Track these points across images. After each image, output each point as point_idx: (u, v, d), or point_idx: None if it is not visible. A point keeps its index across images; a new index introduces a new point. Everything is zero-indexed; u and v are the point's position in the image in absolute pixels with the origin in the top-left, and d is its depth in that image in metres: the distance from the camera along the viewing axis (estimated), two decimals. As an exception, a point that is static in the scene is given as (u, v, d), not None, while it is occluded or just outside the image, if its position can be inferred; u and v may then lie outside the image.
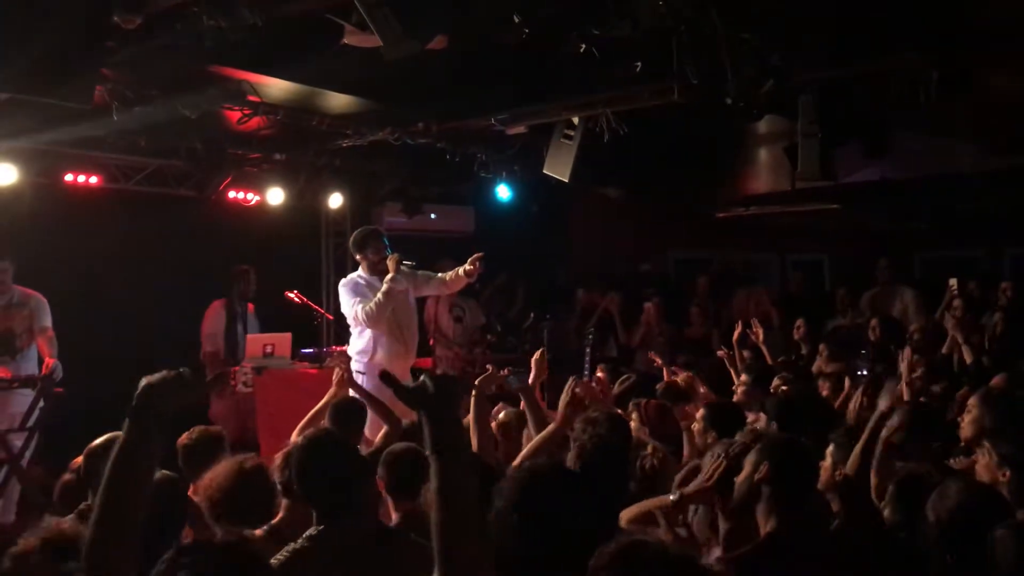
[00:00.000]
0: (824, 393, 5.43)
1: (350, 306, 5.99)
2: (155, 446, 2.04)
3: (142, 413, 2.01)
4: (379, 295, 5.87)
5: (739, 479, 2.90)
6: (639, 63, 5.19)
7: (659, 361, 6.40)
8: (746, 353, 6.36)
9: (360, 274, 6.16)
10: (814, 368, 6.27)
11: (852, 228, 11.06)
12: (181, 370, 2.09)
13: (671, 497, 3.00)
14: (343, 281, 6.19)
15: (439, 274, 6.25)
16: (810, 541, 2.78)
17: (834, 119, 5.76)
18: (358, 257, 6.20)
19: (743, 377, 5.61)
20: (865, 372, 5.44)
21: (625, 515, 3.02)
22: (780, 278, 11.75)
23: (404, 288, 6.05)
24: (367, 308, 5.88)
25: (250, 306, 7.67)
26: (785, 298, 9.66)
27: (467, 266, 5.98)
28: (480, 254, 5.95)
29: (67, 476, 3.86)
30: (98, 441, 3.57)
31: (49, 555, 2.40)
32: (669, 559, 1.93)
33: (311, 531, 2.78)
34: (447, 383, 2.00)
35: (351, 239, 6.34)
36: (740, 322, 6.64)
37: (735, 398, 5.42)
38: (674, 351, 7.60)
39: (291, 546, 2.74)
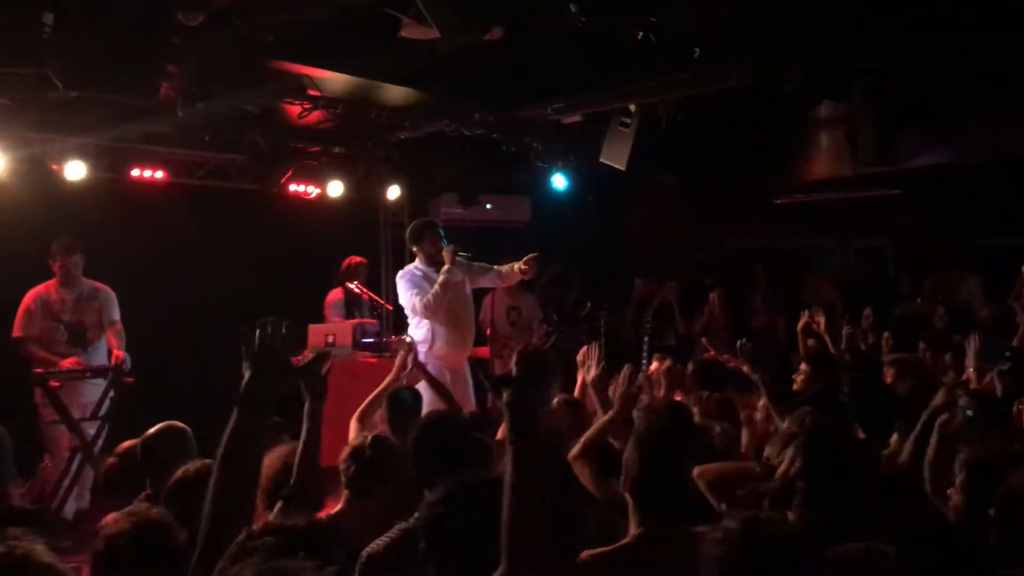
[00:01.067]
0: (888, 381, 5.31)
1: (408, 298, 6.07)
2: (262, 431, 2.13)
3: (250, 402, 2.07)
4: (436, 286, 5.93)
5: (778, 473, 2.82)
6: (697, 49, 5.14)
7: (713, 351, 6.35)
8: (810, 341, 6.26)
9: (417, 265, 6.22)
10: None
11: (914, 214, 10.81)
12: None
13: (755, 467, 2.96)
14: (400, 273, 6.27)
15: (495, 267, 6.29)
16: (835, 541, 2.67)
17: (894, 103, 5.65)
18: (414, 249, 6.26)
19: (803, 366, 5.52)
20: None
21: (704, 475, 3.00)
22: (841, 265, 11.54)
23: (460, 279, 6.09)
24: (424, 299, 5.95)
25: (365, 294, 7.74)
26: (848, 286, 9.49)
27: (522, 265, 6.01)
28: (535, 254, 5.98)
29: (111, 460, 3.95)
30: (153, 429, 3.67)
31: (140, 538, 2.44)
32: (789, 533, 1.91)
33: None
34: (538, 362, 2.01)
35: (407, 231, 6.41)
36: (805, 311, 6.54)
37: (795, 387, 5.35)
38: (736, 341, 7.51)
39: (402, 525, 2.75)
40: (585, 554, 2.41)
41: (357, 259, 7.74)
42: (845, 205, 9.90)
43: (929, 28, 5.00)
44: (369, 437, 3.24)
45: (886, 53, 5.31)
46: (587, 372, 4.32)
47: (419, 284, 6.07)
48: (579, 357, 4.66)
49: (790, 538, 1.93)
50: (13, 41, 4.16)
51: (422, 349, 6.00)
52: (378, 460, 3.20)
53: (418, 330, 6.14)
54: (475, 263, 6.24)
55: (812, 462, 2.68)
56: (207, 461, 3.10)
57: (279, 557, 1.77)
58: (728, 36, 4.97)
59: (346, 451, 3.35)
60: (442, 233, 6.21)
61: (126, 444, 3.86)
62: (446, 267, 5.96)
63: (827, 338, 6.50)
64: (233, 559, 1.95)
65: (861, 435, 3.76)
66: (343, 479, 3.30)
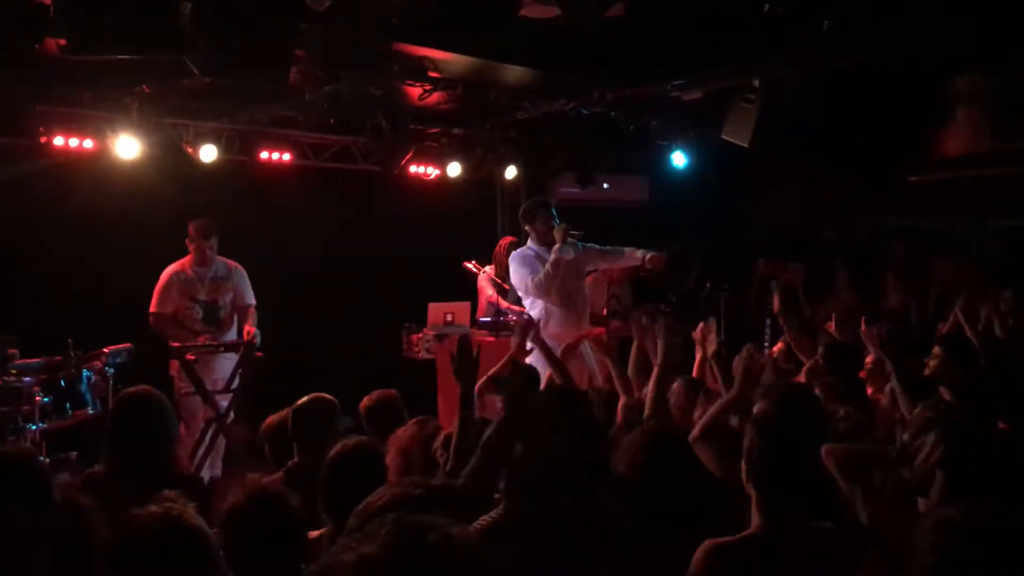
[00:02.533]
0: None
1: (520, 277, 6.11)
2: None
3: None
4: (548, 266, 5.94)
5: (918, 461, 2.70)
6: (826, 21, 4.94)
7: (840, 334, 6.11)
8: (943, 325, 5.97)
9: (530, 245, 6.25)
10: None
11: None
12: None
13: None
14: (513, 254, 6.31)
15: (614, 248, 6.24)
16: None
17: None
18: (527, 228, 6.29)
19: (936, 349, 5.27)
20: None
21: (834, 455, 2.91)
22: (979, 245, 10.94)
23: (572, 258, 6.08)
24: (536, 279, 5.97)
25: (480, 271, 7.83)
26: (987, 267, 8.99)
27: (649, 256, 5.99)
28: (666, 254, 5.98)
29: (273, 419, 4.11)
30: (303, 400, 3.85)
31: (255, 508, 2.55)
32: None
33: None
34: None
35: (520, 210, 6.44)
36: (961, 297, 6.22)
37: (927, 371, 5.11)
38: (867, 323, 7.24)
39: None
40: (709, 543, 2.36)
41: (510, 239, 7.79)
42: (984, 182, 9.37)
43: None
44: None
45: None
46: (708, 347, 4.25)
47: (531, 264, 6.09)
48: (696, 334, 4.58)
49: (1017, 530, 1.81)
50: (153, 30, 4.35)
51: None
52: None
53: (532, 310, 6.18)
54: (586, 244, 6.22)
55: (954, 450, 2.56)
56: (362, 439, 3.30)
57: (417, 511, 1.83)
58: (860, 6, 4.76)
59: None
60: (554, 212, 6.21)
61: (274, 417, 4.03)
62: (557, 246, 5.96)
63: (963, 321, 6.19)
64: (366, 513, 2.02)
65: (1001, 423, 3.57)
66: None
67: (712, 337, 4.23)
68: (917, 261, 8.82)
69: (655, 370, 4.01)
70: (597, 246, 6.30)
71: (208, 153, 6.93)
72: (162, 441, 3.34)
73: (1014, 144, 7.18)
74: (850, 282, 8.15)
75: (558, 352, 5.91)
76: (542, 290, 6.00)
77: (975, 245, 10.94)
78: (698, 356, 4.79)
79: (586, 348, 6.24)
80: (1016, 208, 10.94)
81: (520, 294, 6.26)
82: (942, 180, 9.28)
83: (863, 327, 5.09)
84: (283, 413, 3.97)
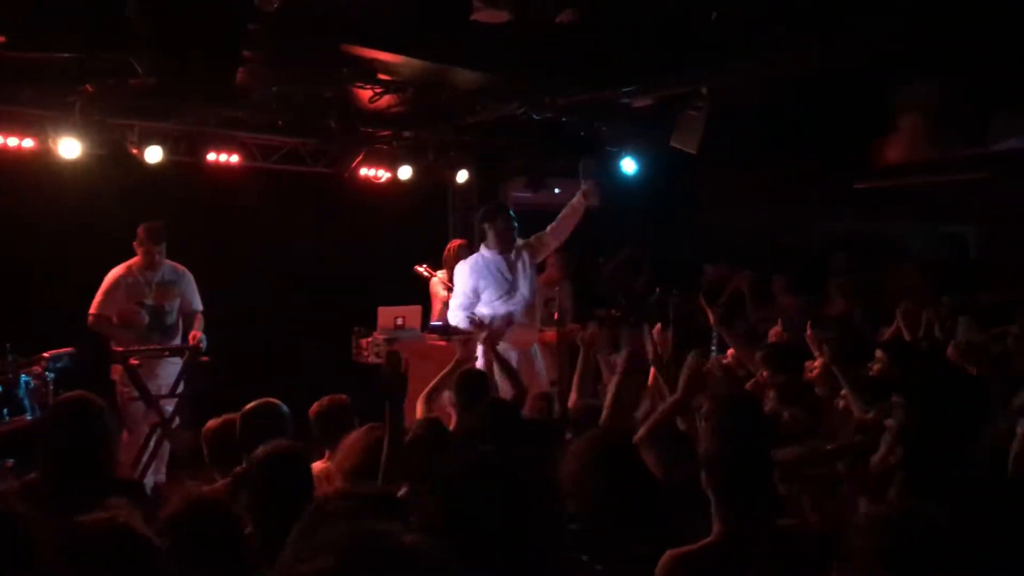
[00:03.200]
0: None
1: (456, 295, 6.12)
2: None
3: None
4: (465, 323, 6.01)
5: (874, 460, 2.77)
6: (773, 30, 5.02)
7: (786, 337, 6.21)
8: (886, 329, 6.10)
9: (482, 252, 6.23)
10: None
11: (1003, 198, 10.42)
12: None
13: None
14: (462, 263, 6.29)
15: (555, 221, 6.26)
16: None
17: (984, 82, 5.44)
18: (485, 227, 6.26)
19: (879, 353, 5.38)
20: None
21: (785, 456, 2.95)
22: (923, 250, 11.19)
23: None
24: (457, 317, 6.06)
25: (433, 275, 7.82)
26: (929, 271, 9.19)
27: (582, 193, 6.15)
28: (596, 183, 6.13)
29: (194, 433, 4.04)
30: (251, 405, 3.79)
31: (196, 516, 2.51)
32: None
33: None
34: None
35: (481, 211, 6.43)
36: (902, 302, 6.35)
37: (871, 374, 5.22)
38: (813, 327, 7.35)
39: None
40: (669, 554, 2.37)
41: (459, 242, 7.75)
42: (928, 189, 9.59)
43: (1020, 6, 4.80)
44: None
45: (976, 32, 5.11)
46: (656, 353, 4.29)
47: (479, 274, 6.10)
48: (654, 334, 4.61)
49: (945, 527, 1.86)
50: (97, 28, 4.27)
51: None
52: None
53: (482, 310, 6.16)
54: (531, 240, 6.24)
55: (911, 452, 2.62)
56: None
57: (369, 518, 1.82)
58: (807, 16, 4.84)
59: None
60: (512, 215, 6.21)
61: (215, 422, 3.96)
62: (481, 318, 6.01)
63: (903, 326, 6.32)
64: (313, 521, 2.00)
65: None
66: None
67: (660, 345, 4.29)
68: (861, 267, 8.99)
69: (617, 375, 4.02)
70: (541, 235, 6.29)
71: (153, 154, 6.80)
72: (99, 447, 3.27)
73: (956, 152, 7.36)
74: (787, 287, 8.27)
75: (511, 353, 5.94)
76: (452, 319, 6.04)
77: (920, 250, 11.19)
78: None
79: (536, 351, 6.27)
80: (958, 214, 11.23)
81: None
82: (886, 187, 9.49)
83: (808, 331, 5.18)
84: (224, 418, 3.90)
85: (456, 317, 6.08)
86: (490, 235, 6.21)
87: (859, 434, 2.99)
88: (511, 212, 6.25)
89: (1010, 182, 9.20)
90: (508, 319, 5.61)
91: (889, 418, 3.09)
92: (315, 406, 4.17)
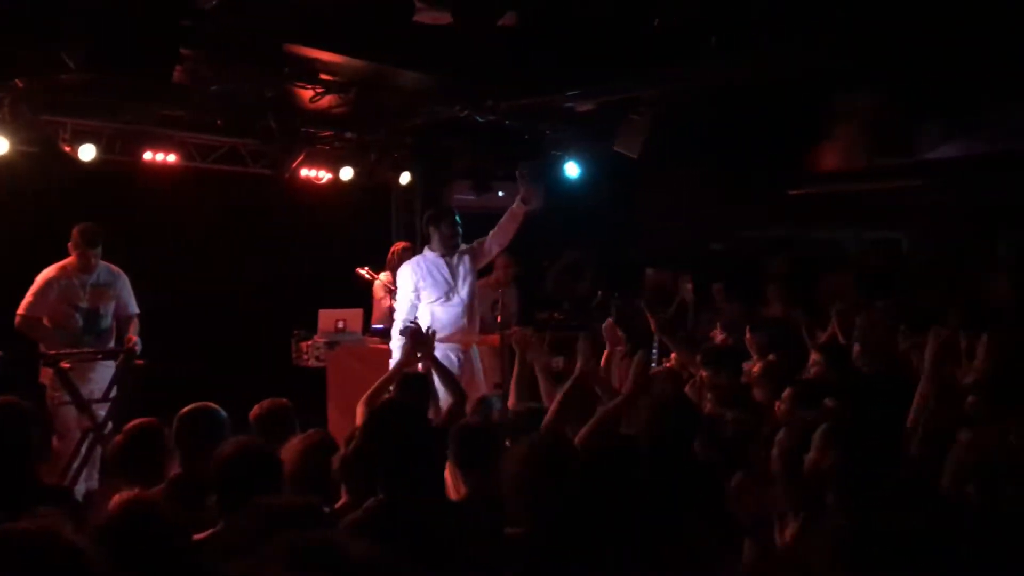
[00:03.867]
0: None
1: (401, 302, 6.12)
2: None
3: None
4: (396, 341, 5.96)
5: (807, 464, 2.81)
6: (714, 37, 5.10)
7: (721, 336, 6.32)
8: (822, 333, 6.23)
9: (426, 254, 6.23)
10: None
11: (933, 205, 10.73)
12: None
13: None
14: (405, 264, 6.28)
15: (497, 226, 6.29)
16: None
17: (916, 93, 5.59)
18: (431, 230, 6.24)
19: (814, 356, 5.49)
20: None
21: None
22: (855, 256, 11.46)
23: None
24: (398, 326, 6.04)
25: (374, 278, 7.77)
26: (861, 277, 9.41)
27: (521, 198, 6.14)
28: (535, 186, 6.20)
29: (118, 438, 3.93)
30: (187, 409, 3.70)
31: (130, 522, 2.46)
32: None
33: (371, 501, 2.75)
34: None
35: (427, 214, 6.39)
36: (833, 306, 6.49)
37: (808, 376, 5.32)
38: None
39: (349, 517, 2.75)
40: None
41: (403, 244, 7.70)
42: (860, 196, 9.83)
43: (950, 20, 4.94)
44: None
45: (908, 44, 5.24)
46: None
47: (420, 276, 6.08)
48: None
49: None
50: (27, 22, 4.15)
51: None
52: None
53: (421, 316, 6.15)
54: (473, 245, 6.27)
55: (845, 455, 2.66)
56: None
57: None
58: (746, 25, 4.92)
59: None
60: (458, 220, 6.21)
61: (136, 423, 3.86)
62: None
63: (838, 330, 6.46)
64: (251, 535, 1.96)
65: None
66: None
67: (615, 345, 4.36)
68: (797, 272, 9.18)
69: (571, 381, 4.02)
70: (482, 240, 6.33)
71: (87, 152, 6.63)
72: (23, 453, 3.17)
73: (887, 160, 7.55)
74: (726, 293, 8.40)
75: (451, 356, 5.93)
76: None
77: (853, 256, 11.46)
78: (603, 359, 4.90)
79: (475, 352, 6.28)
80: (890, 221, 11.52)
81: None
82: (821, 194, 9.70)
83: (748, 335, 5.27)
84: (147, 421, 3.79)
85: (397, 326, 6.07)
86: (435, 238, 6.20)
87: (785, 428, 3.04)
88: (456, 216, 6.24)
89: (941, 189, 9.48)
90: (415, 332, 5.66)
91: (823, 420, 3.14)
92: (256, 409, 4.11)
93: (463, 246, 6.23)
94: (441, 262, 6.14)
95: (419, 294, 6.10)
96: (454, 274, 6.15)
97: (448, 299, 6.12)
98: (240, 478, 2.83)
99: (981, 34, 4.94)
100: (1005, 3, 4.69)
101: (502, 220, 6.29)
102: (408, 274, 6.15)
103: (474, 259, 6.28)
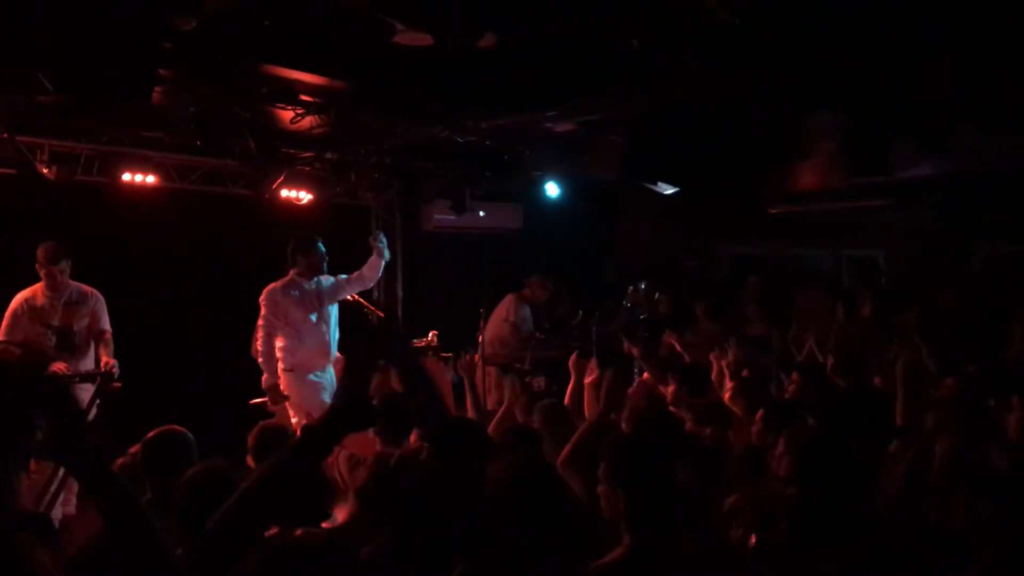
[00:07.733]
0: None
1: (265, 325, 6.30)
2: None
3: None
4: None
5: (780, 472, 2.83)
6: (691, 58, 5.14)
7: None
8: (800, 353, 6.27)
9: (293, 278, 6.41)
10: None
11: (909, 223, 10.85)
12: None
13: None
14: (274, 287, 6.40)
15: (347, 276, 6.64)
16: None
17: (889, 113, 5.66)
18: (299, 258, 6.43)
19: (794, 375, 5.52)
20: None
21: None
22: (834, 274, 11.56)
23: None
24: (257, 348, 6.32)
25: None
26: (840, 295, 9.48)
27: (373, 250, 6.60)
28: (378, 231, 6.59)
29: (124, 459, 3.91)
30: (154, 433, 3.65)
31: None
32: None
33: None
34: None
35: (293, 243, 6.51)
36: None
37: (786, 396, 5.35)
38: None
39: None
40: (591, 567, 2.41)
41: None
42: (838, 215, 9.92)
43: (924, 37, 5.01)
44: None
45: (881, 64, 5.32)
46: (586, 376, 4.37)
47: (284, 304, 6.30)
48: (571, 363, 4.70)
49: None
50: (3, 42, 4.13)
51: (289, 357, 6.28)
52: None
53: (277, 339, 6.35)
54: (337, 278, 6.58)
55: (805, 467, 2.69)
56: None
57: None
58: (723, 45, 4.97)
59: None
60: (322, 249, 6.43)
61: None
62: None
63: (816, 349, 6.51)
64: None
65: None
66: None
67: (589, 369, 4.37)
68: (775, 290, 9.24)
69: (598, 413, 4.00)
70: (341, 278, 6.63)
71: (65, 174, 6.58)
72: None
73: (865, 179, 7.61)
74: (708, 311, 8.44)
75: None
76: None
77: (830, 273, 11.56)
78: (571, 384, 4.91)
79: (331, 375, 6.49)
80: (866, 239, 11.64)
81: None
82: (799, 213, 9.79)
83: (730, 353, 5.30)
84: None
85: (259, 345, 6.34)
86: (302, 263, 6.39)
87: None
88: (321, 245, 6.44)
89: (916, 208, 9.59)
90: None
91: (799, 439, 3.17)
92: (255, 430, 4.10)
93: (327, 277, 6.50)
94: (311, 286, 6.41)
95: (286, 318, 6.30)
96: (320, 299, 6.42)
97: (314, 323, 6.37)
98: (201, 503, 2.79)
99: (950, 54, 5.01)
100: (974, 24, 4.76)
101: (361, 271, 6.68)
102: (277, 297, 6.33)
103: (335, 291, 6.56)
